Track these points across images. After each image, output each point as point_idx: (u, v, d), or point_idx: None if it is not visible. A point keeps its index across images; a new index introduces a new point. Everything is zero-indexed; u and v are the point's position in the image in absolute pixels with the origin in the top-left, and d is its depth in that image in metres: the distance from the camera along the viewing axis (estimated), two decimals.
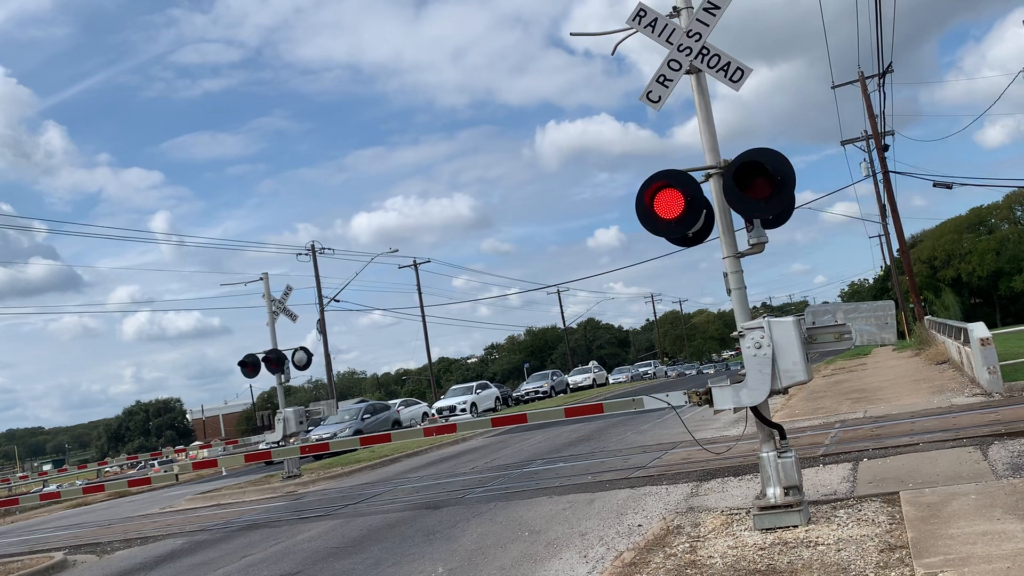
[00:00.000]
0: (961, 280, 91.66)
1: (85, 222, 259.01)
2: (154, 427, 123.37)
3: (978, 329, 14.81)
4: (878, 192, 44.50)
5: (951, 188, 32.43)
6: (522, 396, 48.62)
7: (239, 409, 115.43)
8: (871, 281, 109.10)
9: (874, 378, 21.56)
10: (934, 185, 32.35)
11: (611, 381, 61.45)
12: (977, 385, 14.81)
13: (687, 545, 6.98)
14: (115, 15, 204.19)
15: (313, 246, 46.85)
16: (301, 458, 21.72)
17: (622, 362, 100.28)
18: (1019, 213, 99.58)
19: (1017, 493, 6.71)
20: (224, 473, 28.98)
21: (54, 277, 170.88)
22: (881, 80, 33.51)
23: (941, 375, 18.84)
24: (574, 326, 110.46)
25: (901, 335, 38.41)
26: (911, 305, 38.44)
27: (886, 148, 36.21)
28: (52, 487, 35.52)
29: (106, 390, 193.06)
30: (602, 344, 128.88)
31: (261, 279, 22.67)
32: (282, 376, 21.50)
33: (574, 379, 55.51)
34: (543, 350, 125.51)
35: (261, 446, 26.42)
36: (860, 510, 7.17)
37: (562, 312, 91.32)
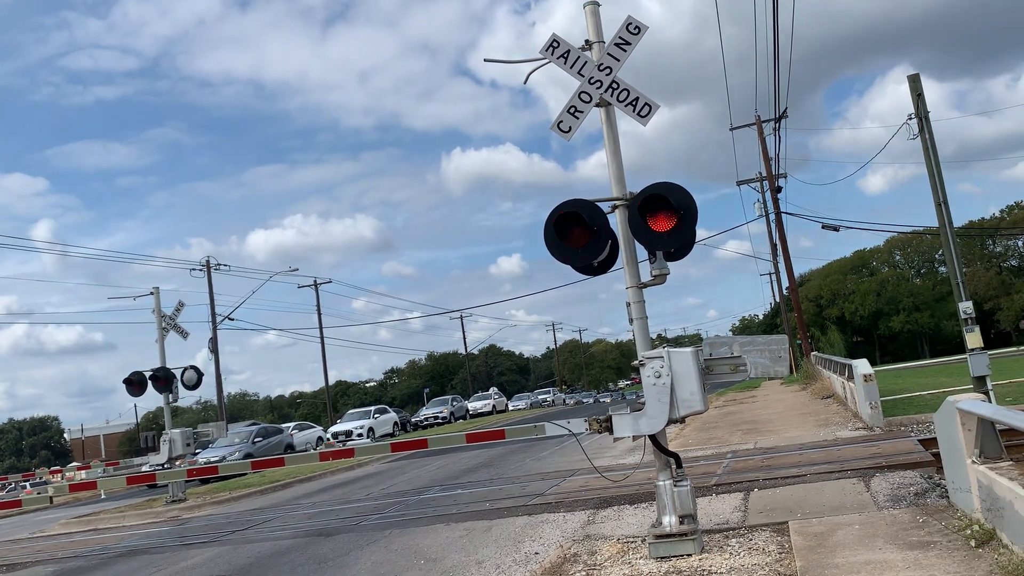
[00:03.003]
0: (845, 319, 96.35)
1: None
2: (27, 446, 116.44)
3: (862, 366, 15.51)
4: (770, 231, 46.38)
5: (839, 230, 34.11)
6: (421, 421, 48.17)
7: (122, 429, 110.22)
8: (761, 316, 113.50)
9: (764, 410, 22.28)
10: (823, 227, 33.97)
11: (510, 408, 61.64)
12: (860, 419, 15.47)
13: (583, 573, 6.98)
14: (1, 13, 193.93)
15: (208, 261, 45.45)
16: (187, 482, 20.85)
17: (522, 389, 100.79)
18: (898, 257, 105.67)
19: (897, 524, 7.00)
20: (103, 496, 27.52)
21: None
22: (777, 124, 35.03)
23: (826, 409, 19.62)
24: (476, 352, 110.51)
25: (789, 370, 39.91)
26: (799, 341, 40.06)
27: (779, 190, 37.81)
28: None
29: None
30: (503, 371, 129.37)
31: (151, 293, 21.78)
32: (170, 395, 20.62)
33: (474, 405, 55.45)
34: (444, 375, 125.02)
35: (144, 468, 25.22)
36: (751, 539, 7.34)
37: (464, 338, 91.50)
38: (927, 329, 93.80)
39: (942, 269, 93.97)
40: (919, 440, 11.71)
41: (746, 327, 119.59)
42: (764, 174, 39.97)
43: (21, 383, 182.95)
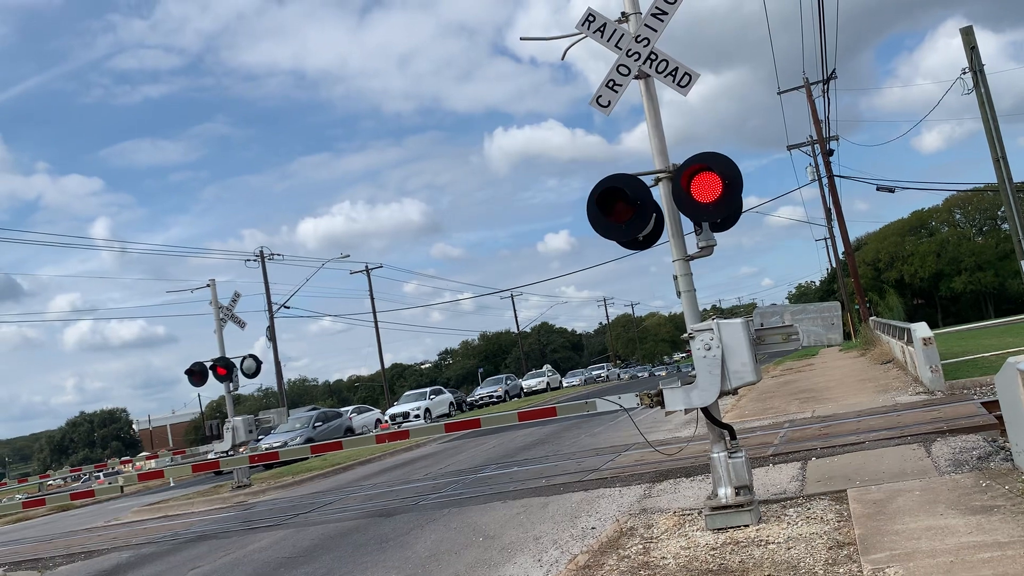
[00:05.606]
0: (904, 281, 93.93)
1: (23, 229, 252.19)
2: (99, 438, 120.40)
3: (920, 329, 15.16)
4: (823, 196, 45.43)
5: (894, 192, 33.24)
6: (476, 401, 48.58)
7: (187, 419, 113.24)
8: (817, 283, 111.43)
9: (821, 378, 21.96)
10: (878, 189, 33.12)
11: (565, 384, 61.74)
12: (920, 384, 15.16)
13: (640, 546, 7.01)
14: (52, 19, 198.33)
15: (262, 252, 46.20)
16: (251, 467, 21.39)
17: (575, 365, 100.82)
18: (958, 216, 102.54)
19: (959, 489, 6.87)
20: (171, 484, 28.39)
21: None
22: (825, 86, 34.20)
23: (886, 374, 19.26)
24: (528, 330, 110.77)
25: (847, 336, 39.22)
26: (856, 306, 39.29)
27: (831, 153, 36.95)
28: None
29: (48, 401, 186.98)
30: (556, 348, 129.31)
31: (208, 286, 22.28)
32: (231, 384, 21.14)
33: (528, 383, 55.68)
34: (497, 355, 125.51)
35: (210, 456, 25.93)
36: (809, 508, 7.28)
37: (516, 316, 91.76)
38: (991, 289, 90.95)
39: (1006, 226, 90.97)
40: (982, 403, 11.42)
41: (803, 294, 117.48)
42: (815, 137, 39.11)
43: (89, 377, 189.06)
